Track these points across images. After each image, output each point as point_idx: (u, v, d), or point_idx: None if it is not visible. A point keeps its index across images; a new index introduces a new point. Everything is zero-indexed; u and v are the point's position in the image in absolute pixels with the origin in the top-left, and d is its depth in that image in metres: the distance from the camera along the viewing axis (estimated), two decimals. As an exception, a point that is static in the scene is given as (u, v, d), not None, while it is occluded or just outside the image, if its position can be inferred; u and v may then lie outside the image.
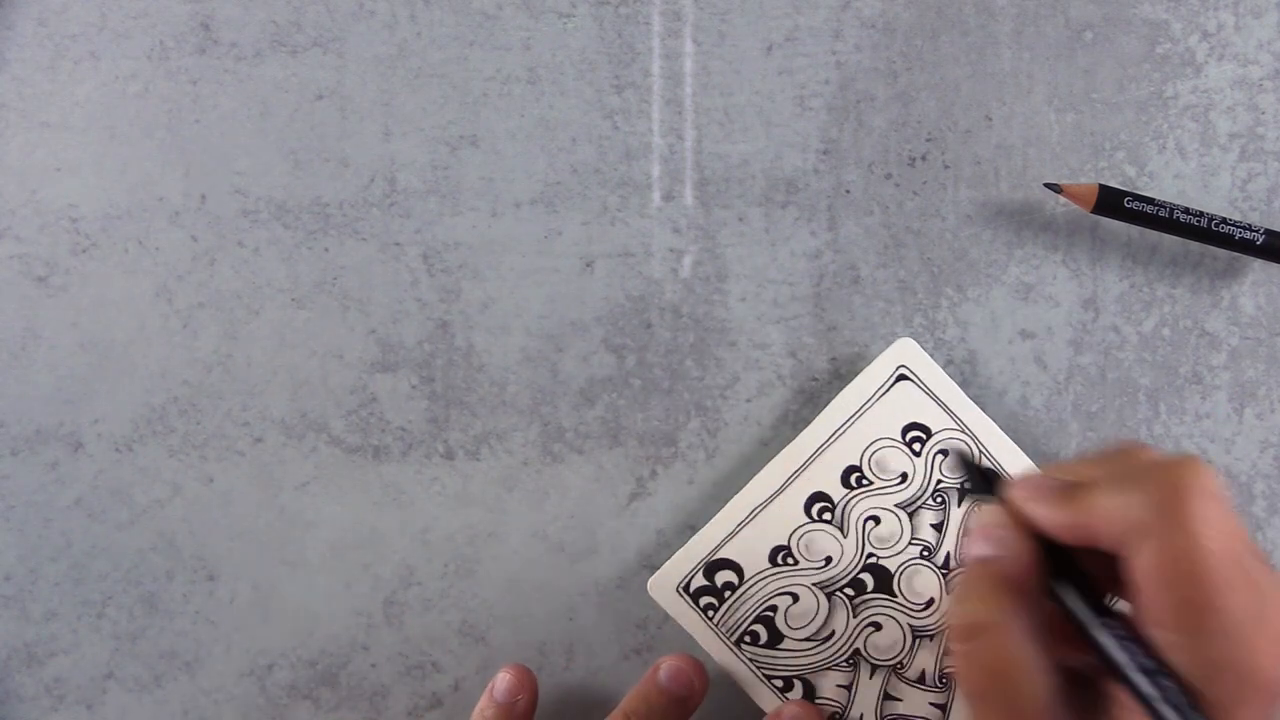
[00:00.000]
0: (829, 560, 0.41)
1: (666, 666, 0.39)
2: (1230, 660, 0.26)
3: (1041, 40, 0.43)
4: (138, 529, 0.43)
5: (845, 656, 0.41)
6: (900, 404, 0.41)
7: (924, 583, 0.41)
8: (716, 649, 0.41)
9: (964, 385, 0.42)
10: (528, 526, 0.43)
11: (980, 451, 0.41)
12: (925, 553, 0.41)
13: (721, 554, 0.41)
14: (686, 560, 0.41)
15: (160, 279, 0.44)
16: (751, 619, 0.41)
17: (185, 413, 0.43)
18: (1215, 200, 0.43)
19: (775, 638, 0.41)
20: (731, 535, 0.41)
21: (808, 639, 0.41)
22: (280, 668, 0.43)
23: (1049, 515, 0.29)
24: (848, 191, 0.43)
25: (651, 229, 0.43)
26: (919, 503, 0.41)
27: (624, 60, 0.43)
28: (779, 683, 0.41)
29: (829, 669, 0.41)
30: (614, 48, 0.44)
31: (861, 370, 0.42)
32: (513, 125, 0.44)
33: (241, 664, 0.43)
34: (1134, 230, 0.43)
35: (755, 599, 0.41)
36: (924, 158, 0.43)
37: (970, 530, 0.33)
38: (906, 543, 0.41)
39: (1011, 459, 0.41)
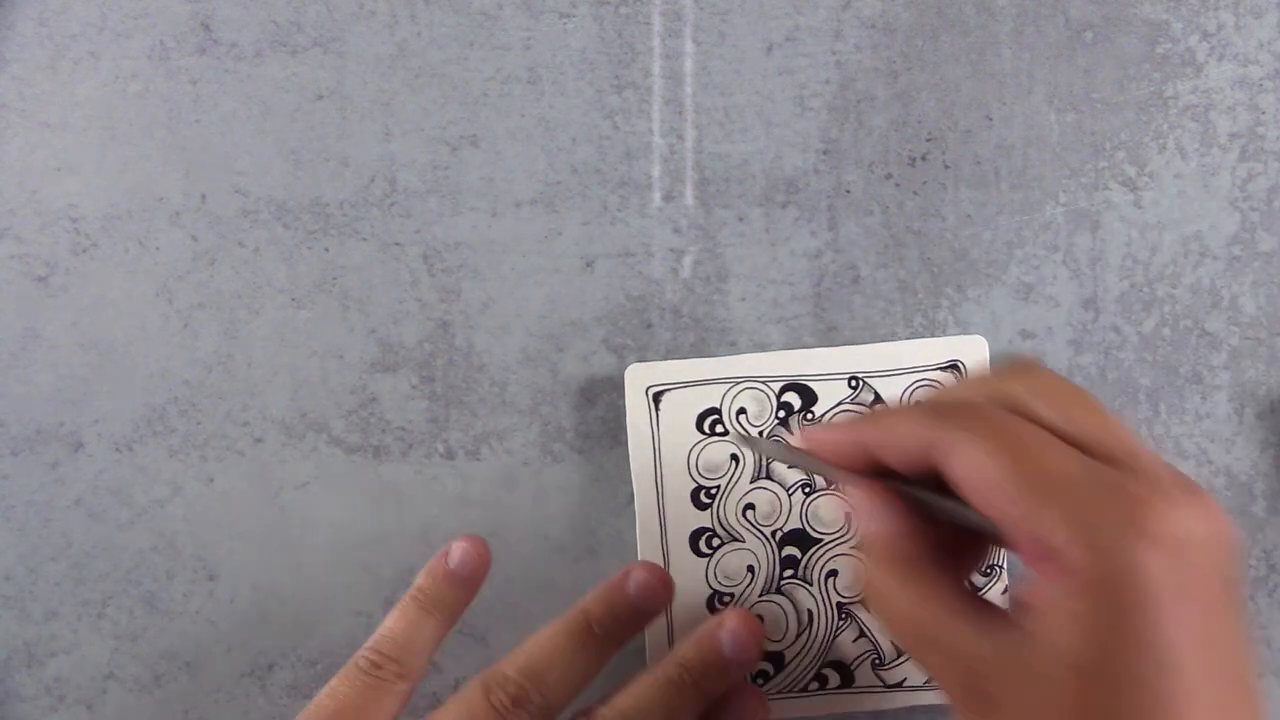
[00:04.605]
0: (750, 570, 0.42)
1: (636, 579, 0.39)
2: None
3: (1041, 40, 0.43)
4: (138, 529, 0.43)
5: (829, 627, 0.42)
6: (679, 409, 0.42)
7: (828, 509, 0.42)
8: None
9: (964, 385, 0.42)
10: (528, 526, 0.43)
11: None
12: (807, 489, 0.42)
13: None
14: None
15: (160, 279, 0.44)
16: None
17: (185, 413, 0.43)
18: (1215, 200, 0.43)
19: (777, 659, 0.42)
20: (671, 629, 0.41)
21: (797, 635, 0.42)
22: (280, 668, 0.43)
23: (836, 438, 0.33)
24: (848, 191, 0.43)
25: (651, 229, 0.43)
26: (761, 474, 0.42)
27: (624, 60, 0.43)
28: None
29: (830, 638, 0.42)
30: (614, 48, 0.44)
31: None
32: (513, 125, 0.44)
33: (241, 664, 0.43)
34: (1134, 230, 0.43)
35: None
36: (924, 158, 0.43)
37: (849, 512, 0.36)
38: (787, 510, 0.42)
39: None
